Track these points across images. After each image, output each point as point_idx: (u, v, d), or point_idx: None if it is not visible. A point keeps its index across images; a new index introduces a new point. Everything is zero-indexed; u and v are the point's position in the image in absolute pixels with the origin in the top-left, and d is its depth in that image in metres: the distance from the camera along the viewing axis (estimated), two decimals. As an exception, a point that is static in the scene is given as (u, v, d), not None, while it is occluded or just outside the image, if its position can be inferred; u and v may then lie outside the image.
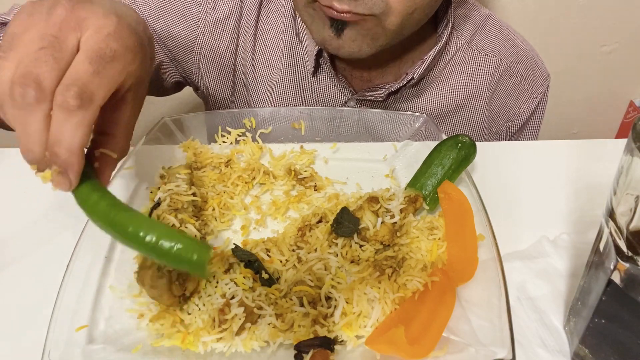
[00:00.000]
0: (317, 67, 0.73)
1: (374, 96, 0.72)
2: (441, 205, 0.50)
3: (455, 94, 0.75)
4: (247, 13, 0.74)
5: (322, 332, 0.40)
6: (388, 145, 0.62)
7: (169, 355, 0.40)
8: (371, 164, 0.60)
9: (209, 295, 0.42)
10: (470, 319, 0.41)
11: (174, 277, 0.41)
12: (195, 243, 0.33)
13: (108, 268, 0.46)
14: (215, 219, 0.52)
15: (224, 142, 0.60)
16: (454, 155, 0.52)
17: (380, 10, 0.58)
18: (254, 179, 0.56)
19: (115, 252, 0.47)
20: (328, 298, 0.42)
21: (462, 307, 0.42)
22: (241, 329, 0.40)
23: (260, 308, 0.41)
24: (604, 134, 1.64)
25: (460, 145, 0.53)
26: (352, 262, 0.46)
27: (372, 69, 0.73)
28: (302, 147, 0.61)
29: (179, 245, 0.32)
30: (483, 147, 0.56)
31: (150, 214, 0.47)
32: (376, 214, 0.48)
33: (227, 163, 0.57)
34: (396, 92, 0.73)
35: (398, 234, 0.47)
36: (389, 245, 0.47)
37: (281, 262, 0.46)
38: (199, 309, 0.42)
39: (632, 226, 0.32)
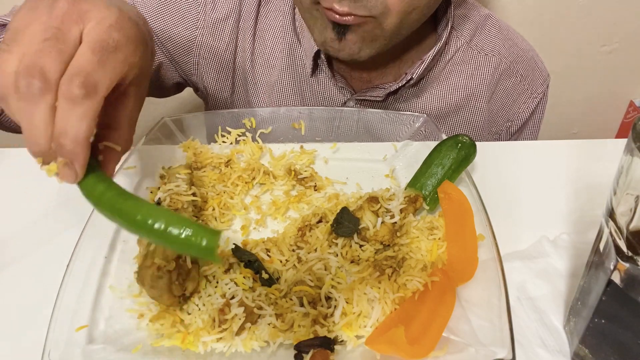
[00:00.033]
0: (315, 67, 0.73)
1: (374, 96, 0.72)
2: (441, 205, 0.50)
3: (455, 94, 0.75)
4: (245, 13, 0.74)
5: (322, 332, 0.40)
6: (388, 145, 0.62)
7: (169, 355, 0.40)
8: (371, 164, 0.60)
9: (209, 295, 0.42)
10: (470, 319, 0.41)
11: (174, 277, 0.41)
12: (204, 228, 0.32)
13: (108, 268, 0.46)
14: (215, 219, 0.52)
15: (224, 142, 0.61)
16: (454, 155, 0.52)
17: (379, 12, 0.58)
18: (254, 179, 0.56)
19: (115, 252, 0.47)
20: (328, 298, 0.42)
21: (462, 307, 0.42)
22: (241, 329, 0.40)
23: (260, 308, 0.41)
24: (604, 134, 1.64)
25: (460, 145, 0.53)
26: (352, 262, 0.46)
27: (371, 70, 0.73)
28: (302, 147, 0.61)
29: (188, 231, 0.32)
30: (483, 147, 0.56)
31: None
32: (376, 214, 0.48)
33: (227, 163, 0.57)
34: (396, 92, 0.73)
35: (398, 234, 0.47)
36: (389, 245, 0.47)
37: (281, 262, 0.46)
38: (199, 309, 0.42)
39: (632, 226, 0.32)
